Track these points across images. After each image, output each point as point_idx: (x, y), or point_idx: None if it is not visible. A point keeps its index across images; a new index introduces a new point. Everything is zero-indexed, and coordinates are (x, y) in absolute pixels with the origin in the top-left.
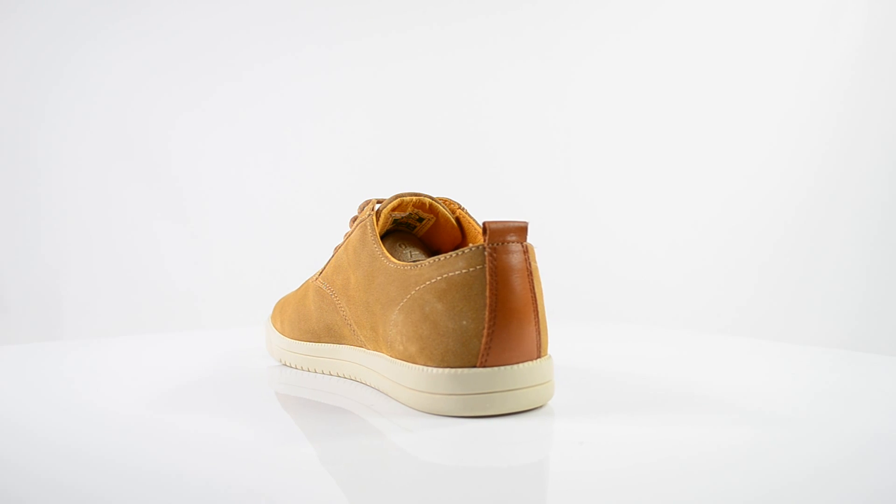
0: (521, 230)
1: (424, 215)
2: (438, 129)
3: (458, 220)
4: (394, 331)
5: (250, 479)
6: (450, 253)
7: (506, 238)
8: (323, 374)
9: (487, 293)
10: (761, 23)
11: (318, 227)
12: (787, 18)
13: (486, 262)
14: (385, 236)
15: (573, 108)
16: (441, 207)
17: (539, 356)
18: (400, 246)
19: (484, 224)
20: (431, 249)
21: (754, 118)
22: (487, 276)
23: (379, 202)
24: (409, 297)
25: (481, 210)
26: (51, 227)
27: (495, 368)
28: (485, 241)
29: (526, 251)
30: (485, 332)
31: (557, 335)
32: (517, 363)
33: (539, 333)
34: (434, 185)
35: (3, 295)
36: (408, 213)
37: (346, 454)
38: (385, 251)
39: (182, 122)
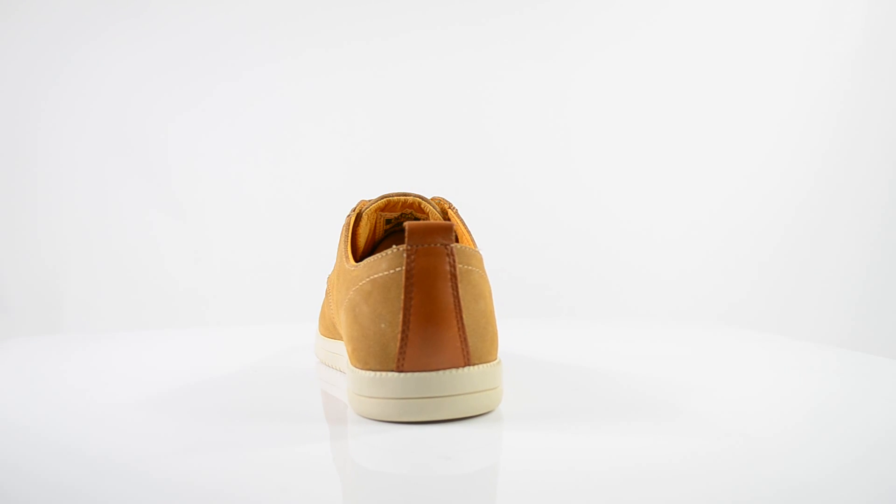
0: (443, 231)
1: (419, 215)
2: (440, 129)
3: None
4: (342, 331)
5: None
6: (378, 254)
7: (427, 240)
8: (335, 369)
9: (402, 296)
10: (762, 23)
11: (320, 228)
12: (787, 18)
13: (404, 264)
14: (388, 237)
15: (575, 109)
16: (430, 206)
17: (467, 364)
18: (398, 247)
19: (404, 225)
20: None
21: (755, 118)
22: (403, 279)
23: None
24: (348, 298)
25: (482, 210)
26: (51, 226)
27: (411, 374)
28: (405, 242)
29: (451, 254)
30: (399, 336)
31: (551, 333)
32: (438, 370)
33: (464, 340)
34: (436, 185)
35: (2, 294)
36: (400, 214)
37: (269, 461)
38: (348, 252)
39: (181, 122)
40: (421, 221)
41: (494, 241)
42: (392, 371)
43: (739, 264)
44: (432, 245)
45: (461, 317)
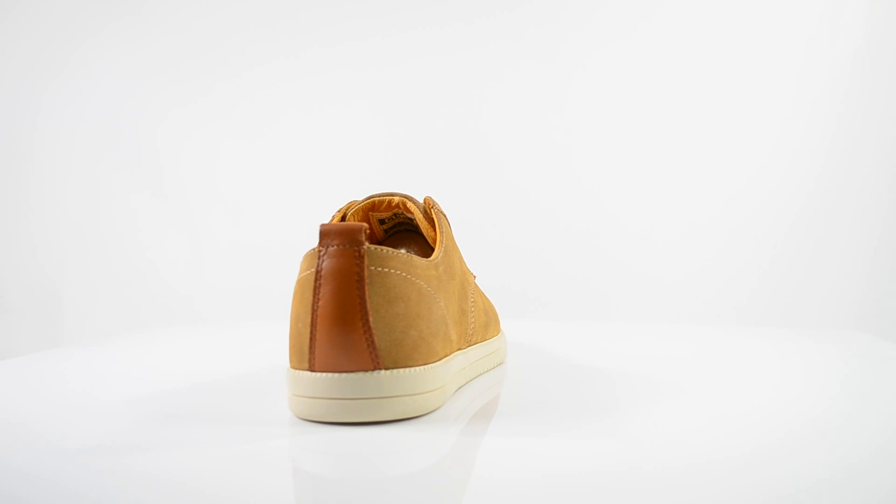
0: (349, 233)
1: (407, 214)
2: (438, 129)
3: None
4: None
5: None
6: (307, 253)
7: (336, 241)
8: None
9: (312, 297)
10: (762, 22)
11: (316, 228)
12: (787, 18)
13: (315, 265)
14: (393, 235)
15: (575, 109)
16: (415, 206)
17: (377, 367)
18: (399, 246)
19: (321, 227)
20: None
21: (756, 118)
22: (313, 280)
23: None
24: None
25: (481, 211)
26: (50, 228)
27: (320, 374)
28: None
29: (360, 255)
30: (308, 336)
31: (547, 334)
32: (346, 372)
33: (372, 343)
34: (434, 186)
35: (2, 295)
36: (392, 214)
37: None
38: None
39: (174, 123)
40: (333, 223)
41: (493, 243)
42: (306, 370)
43: (741, 267)
44: (341, 246)
45: (367, 319)
